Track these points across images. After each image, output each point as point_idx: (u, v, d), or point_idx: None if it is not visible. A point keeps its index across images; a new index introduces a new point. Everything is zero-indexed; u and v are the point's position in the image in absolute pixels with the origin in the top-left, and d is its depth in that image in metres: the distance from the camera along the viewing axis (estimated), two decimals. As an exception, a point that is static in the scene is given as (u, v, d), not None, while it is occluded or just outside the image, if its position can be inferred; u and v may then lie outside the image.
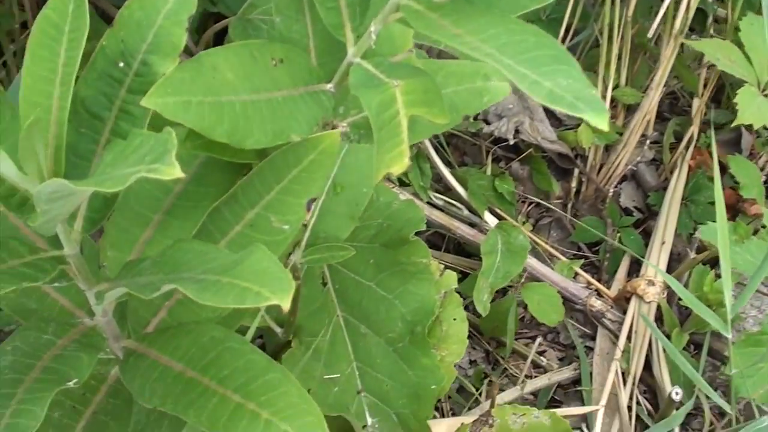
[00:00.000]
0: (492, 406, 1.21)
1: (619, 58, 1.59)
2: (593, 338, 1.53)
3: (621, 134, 1.64)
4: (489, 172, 1.59)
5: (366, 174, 1.06)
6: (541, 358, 1.50)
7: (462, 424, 1.21)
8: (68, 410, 0.71)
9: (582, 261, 1.56)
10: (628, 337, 1.47)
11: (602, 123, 0.59)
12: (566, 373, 1.46)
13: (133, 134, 0.52)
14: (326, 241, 1.05)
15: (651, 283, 1.49)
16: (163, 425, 0.75)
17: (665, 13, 1.53)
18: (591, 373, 1.46)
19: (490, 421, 1.17)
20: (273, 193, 0.71)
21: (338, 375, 1.16)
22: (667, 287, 1.51)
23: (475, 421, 1.18)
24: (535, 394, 1.45)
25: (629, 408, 1.40)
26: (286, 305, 0.51)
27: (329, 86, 0.75)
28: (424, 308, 1.17)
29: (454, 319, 1.20)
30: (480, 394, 1.39)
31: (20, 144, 0.52)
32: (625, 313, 1.51)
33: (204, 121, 0.62)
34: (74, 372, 0.63)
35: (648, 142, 1.71)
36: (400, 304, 1.18)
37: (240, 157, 0.72)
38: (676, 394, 1.32)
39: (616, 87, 1.63)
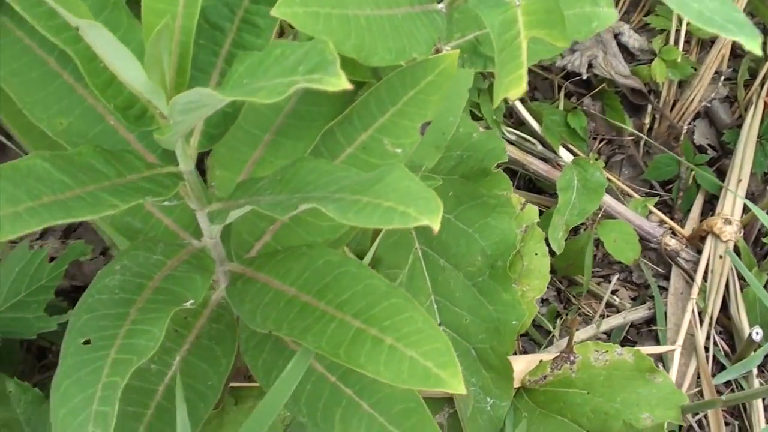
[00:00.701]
0: (570, 342, 1.19)
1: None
2: (666, 278, 1.50)
3: (695, 70, 1.59)
4: (561, 107, 1.55)
5: (453, 102, 1.02)
6: (614, 297, 1.48)
7: (541, 361, 1.18)
8: (171, 333, 0.70)
9: (656, 199, 1.52)
10: (704, 277, 1.43)
11: (755, 46, 0.56)
12: (641, 312, 1.43)
13: (273, 45, 0.49)
14: (412, 171, 1.02)
15: (728, 221, 1.46)
16: (265, 349, 0.73)
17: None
18: (665, 313, 1.43)
19: (572, 358, 1.15)
20: (388, 115, 0.69)
21: (418, 309, 1.14)
22: (744, 226, 1.48)
23: (555, 357, 1.16)
24: (608, 333, 1.43)
25: (706, 348, 1.37)
26: (436, 226, 0.48)
27: (441, 6, 0.72)
28: (504, 242, 1.15)
29: (536, 254, 1.17)
30: (554, 333, 1.36)
31: (147, 52, 0.50)
32: (699, 252, 1.48)
33: (333, 33, 0.59)
34: (189, 293, 0.61)
35: (722, 78, 1.65)
36: (480, 237, 1.15)
37: (358, 75, 0.69)
38: (756, 334, 1.29)
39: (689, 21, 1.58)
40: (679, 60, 1.54)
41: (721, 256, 1.43)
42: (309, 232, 0.72)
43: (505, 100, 1.47)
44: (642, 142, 1.62)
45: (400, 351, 0.59)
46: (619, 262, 1.51)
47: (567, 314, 1.43)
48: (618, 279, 1.51)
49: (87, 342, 0.57)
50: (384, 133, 0.69)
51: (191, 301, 0.60)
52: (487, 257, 1.15)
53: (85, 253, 1.09)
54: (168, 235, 0.69)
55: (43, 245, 1.13)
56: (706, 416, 1.35)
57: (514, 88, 0.59)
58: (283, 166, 0.60)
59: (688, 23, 1.57)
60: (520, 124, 1.50)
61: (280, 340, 0.74)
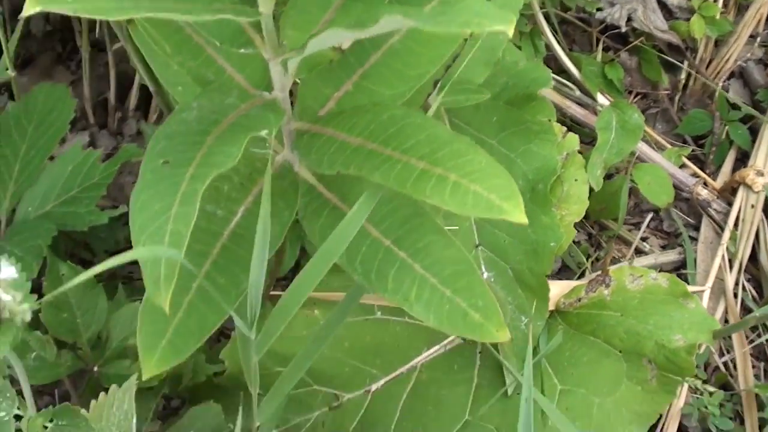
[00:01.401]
0: (605, 264, 1.21)
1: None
2: (696, 228, 1.52)
3: (732, 28, 1.61)
4: (599, 59, 1.58)
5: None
6: (644, 244, 1.50)
7: (573, 286, 1.21)
8: (236, 186, 0.73)
9: (689, 149, 1.55)
10: (734, 226, 1.46)
11: None
12: (671, 256, 1.46)
13: None
14: (462, 84, 1.05)
15: (760, 173, 1.48)
16: (323, 214, 0.76)
17: None
18: (695, 260, 1.46)
19: (607, 281, 1.17)
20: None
21: (457, 227, 1.17)
22: (777, 179, 1.50)
23: (591, 280, 1.19)
24: (637, 275, 1.45)
25: (735, 294, 1.39)
26: (510, 32, 0.51)
27: None
28: (546, 167, 1.18)
29: (576, 180, 1.20)
30: (586, 266, 1.39)
31: None
32: (730, 204, 1.50)
33: None
34: (263, 126, 0.64)
35: (758, 40, 1.68)
36: (522, 162, 1.18)
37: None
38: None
39: (729, -20, 1.61)
40: (717, 17, 1.57)
41: (753, 206, 1.45)
42: (372, 101, 0.75)
43: (547, 47, 1.50)
44: (677, 98, 1.64)
45: (464, 185, 0.62)
46: (651, 210, 1.54)
47: (599, 255, 1.46)
48: (648, 227, 1.53)
49: (166, 162, 0.60)
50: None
51: (266, 131, 0.63)
52: (528, 181, 1.17)
53: (137, 155, 1.12)
54: (240, 89, 0.72)
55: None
56: (733, 360, 1.37)
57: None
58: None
59: (728, -19, 1.60)
60: (560, 71, 1.52)
61: (338, 207, 0.77)
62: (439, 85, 1.03)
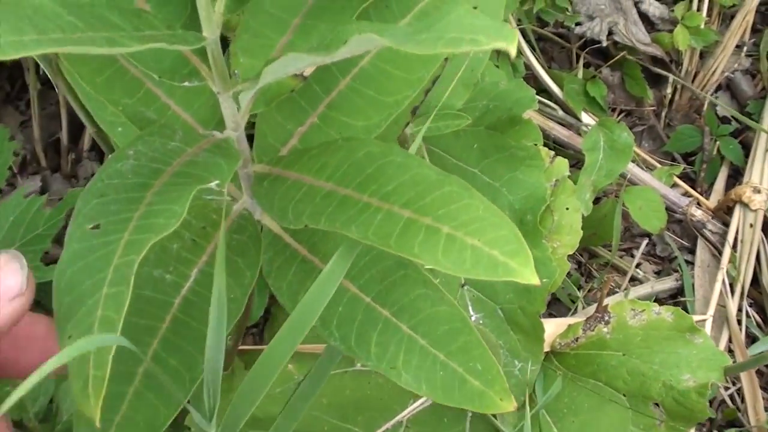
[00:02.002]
0: (602, 301, 1.11)
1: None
2: (691, 251, 1.43)
3: (718, 38, 1.52)
4: (580, 76, 1.49)
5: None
6: (637, 270, 1.40)
7: (569, 325, 1.11)
8: (187, 244, 0.62)
9: (681, 168, 1.46)
10: (733, 247, 1.36)
11: None
12: (668, 283, 1.36)
13: None
14: (440, 110, 0.95)
15: (757, 190, 1.39)
16: (291, 271, 0.66)
17: None
18: (693, 286, 1.36)
19: (606, 318, 1.07)
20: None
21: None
22: (774, 196, 1.41)
23: (588, 318, 1.08)
24: (633, 305, 1.35)
25: (738, 321, 1.30)
26: (512, 50, 0.41)
27: None
28: (534, 196, 1.07)
29: (567, 209, 1.10)
30: (580, 299, 1.29)
31: None
32: (725, 224, 1.41)
33: None
34: (213, 175, 0.53)
35: (745, 49, 1.59)
36: (508, 191, 1.08)
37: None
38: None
39: (714, -12, 1.53)
40: (702, 26, 1.48)
41: (751, 225, 1.36)
42: (341, 134, 0.64)
43: (526, 66, 1.41)
44: (663, 114, 1.55)
45: (459, 239, 0.51)
46: (642, 236, 1.45)
47: (591, 286, 1.36)
48: (641, 252, 1.44)
49: (96, 227, 0.49)
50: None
51: (216, 182, 0.52)
52: (515, 212, 1.07)
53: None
54: (186, 129, 0.61)
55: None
56: (739, 390, 1.27)
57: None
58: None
59: (711, -11, 1.51)
60: (540, 90, 1.43)
61: (308, 260, 0.66)
62: (417, 112, 0.93)
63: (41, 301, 1.07)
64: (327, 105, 0.65)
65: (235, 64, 0.60)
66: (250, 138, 0.66)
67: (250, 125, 0.66)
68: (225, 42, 0.61)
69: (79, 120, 1.37)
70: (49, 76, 1.12)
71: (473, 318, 1.06)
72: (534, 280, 0.49)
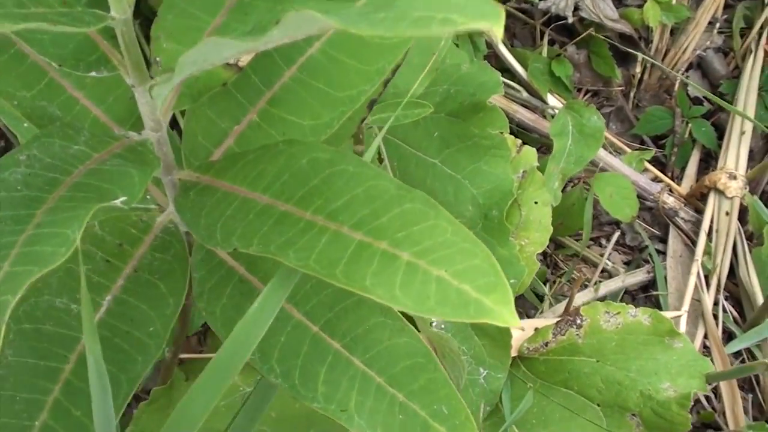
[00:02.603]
0: (571, 303, 1.03)
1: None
2: (663, 240, 1.35)
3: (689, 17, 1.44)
4: (545, 54, 1.39)
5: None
6: (606, 261, 1.32)
7: (537, 329, 1.02)
8: (100, 264, 0.52)
9: (652, 152, 1.38)
10: (708, 237, 1.29)
11: None
12: (639, 276, 1.29)
13: None
14: (398, 98, 0.85)
15: (732, 176, 1.31)
16: (226, 293, 0.56)
17: None
18: (665, 278, 1.28)
19: (578, 321, 0.99)
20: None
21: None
22: (749, 182, 1.34)
23: (559, 321, 1.00)
24: (602, 299, 1.27)
25: (714, 316, 1.22)
26: (499, 32, 0.32)
27: None
28: (499, 189, 0.99)
29: (536, 203, 1.01)
30: (547, 296, 1.21)
31: None
32: (698, 212, 1.33)
33: None
34: (120, 190, 0.43)
35: (717, 26, 1.51)
36: (471, 184, 0.99)
37: None
38: (773, 296, 1.15)
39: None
40: (673, 2, 1.40)
41: (727, 213, 1.29)
42: (285, 135, 0.55)
43: (487, 44, 1.31)
44: (632, 94, 1.47)
45: (422, 269, 0.41)
46: (611, 224, 1.37)
47: (557, 279, 1.27)
48: (608, 241, 1.36)
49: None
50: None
51: (123, 199, 0.42)
52: (479, 206, 0.98)
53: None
54: (97, 128, 0.51)
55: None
56: (715, 389, 1.20)
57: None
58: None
59: (682, -37, 1.43)
60: (503, 70, 1.33)
61: (245, 280, 0.57)
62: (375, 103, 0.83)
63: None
64: (268, 100, 0.55)
65: (156, 50, 0.50)
66: (181, 136, 0.56)
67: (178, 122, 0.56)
68: (149, 24, 0.52)
69: None
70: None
71: (434, 324, 0.97)
72: (514, 322, 0.40)
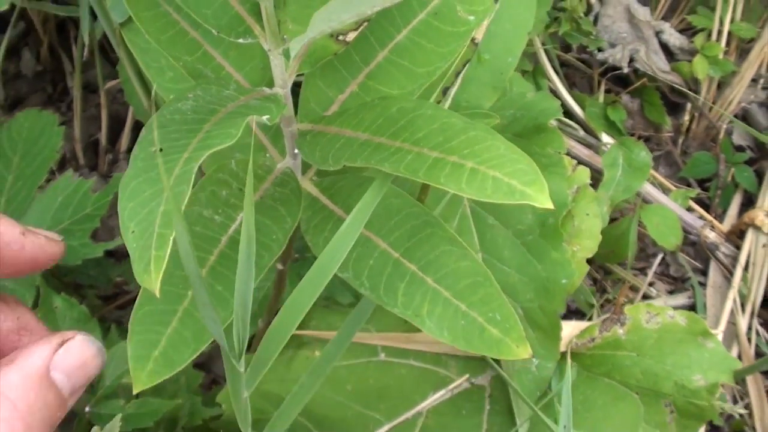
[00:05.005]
0: (619, 302, 1.16)
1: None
2: (704, 273, 1.47)
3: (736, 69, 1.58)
4: (601, 100, 1.54)
5: (511, 43, 1.02)
6: (651, 289, 1.44)
7: (587, 326, 1.15)
8: (235, 191, 0.67)
9: (696, 191, 1.50)
10: (745, 269, 1.41)
11: None
12: (680, 300, 1.40)
13: None
14: (469, 109, 1.00)
15: (770, 215, 1.43)
16: (327, 228, 0.71)
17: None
18: (704, 304, 1.40)
19: (622, 320, 1.11)
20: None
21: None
22: (787, 221, 1.45)
23: (605, 319, 1.12)
24: (647, 321, 1.39)
25: (748, 339, 1.33)
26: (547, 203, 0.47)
27: None
28: (556, 200, 1.12)
29: (587, 214, 1.15)
30: (595, 307, 1.33)
31: None
32: (737, 248, 1.45)
33: None
34: (264, 114, 0.58)
35: (761, 82, 1.65)
36: (530, 195, 1.13)
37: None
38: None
39: (732, 21, 1.58)
40: (720, 57, 1.54)
41: (764, 245, 1.40)
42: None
43: (550, 89, 1.46)
44: (680, 141, 1.60)
45: (482, 172, 0.56)
46: (657, 254, 1.49)
47: (606, 296, 1.40)
48: (654, 272, 1.48)
49: (159, 150, 0.55)
50: (457, -1, 0.68)
51: (267, 116, 0.58)
52: (537, 215, 1.12)
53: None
54: (238, 85, 0.67)
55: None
56: (747, 406, 1.30)
57: None
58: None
59: (730, 21, 1.57)
60: (563, 111, 1.48)
61: (343, 220, 0.72)
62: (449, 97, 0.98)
63: (90, 273, 1.13)
64: (366, 75, 0.71)
65: (284, 30, 0.66)
66: (295, 104, 0.72)
67: (295, 93, 0.71)
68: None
69: (118, 122, 1.45)
70: (104, 80, 1.19)
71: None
72: (547, 204, 0.54)
